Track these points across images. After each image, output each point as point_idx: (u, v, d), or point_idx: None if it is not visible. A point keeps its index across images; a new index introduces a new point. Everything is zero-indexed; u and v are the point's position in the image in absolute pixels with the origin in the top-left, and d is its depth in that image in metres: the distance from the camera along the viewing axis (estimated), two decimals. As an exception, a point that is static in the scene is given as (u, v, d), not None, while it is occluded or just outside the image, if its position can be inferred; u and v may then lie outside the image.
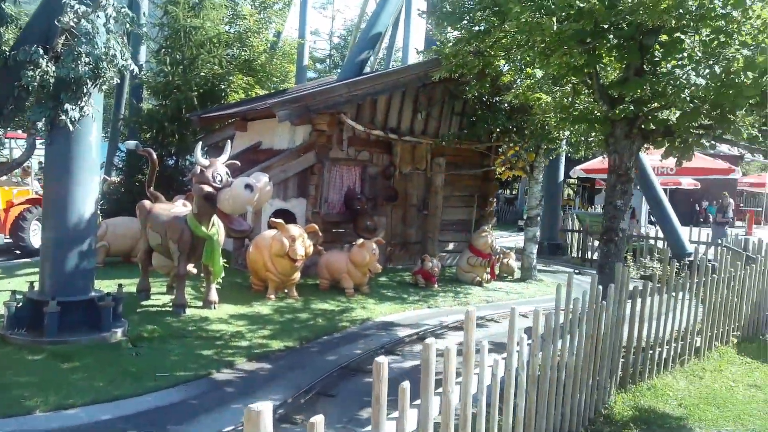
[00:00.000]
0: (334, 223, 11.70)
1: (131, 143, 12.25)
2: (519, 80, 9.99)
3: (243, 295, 9.40)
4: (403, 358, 7.03)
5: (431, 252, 12.80)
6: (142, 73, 17.55)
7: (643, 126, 6.86)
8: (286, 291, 9.54)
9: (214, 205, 7.64)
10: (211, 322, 7.84)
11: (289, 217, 11.25)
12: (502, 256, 13.07)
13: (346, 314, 8.83)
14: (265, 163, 10.77)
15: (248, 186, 7.36)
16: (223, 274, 8.46)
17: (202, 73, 16.09)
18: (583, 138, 11.49)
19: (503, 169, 13.94)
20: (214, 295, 8.43)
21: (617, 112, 6.47)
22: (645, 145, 7.43)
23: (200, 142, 8.36)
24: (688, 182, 24.18)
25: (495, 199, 14.47)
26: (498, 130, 11.92)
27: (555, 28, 5.30)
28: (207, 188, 7.62)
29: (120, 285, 7.49)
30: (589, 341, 5.67)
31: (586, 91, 8.19)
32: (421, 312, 9.41)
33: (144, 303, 8.52)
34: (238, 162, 8.51)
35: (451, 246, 13.65)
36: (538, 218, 12.97)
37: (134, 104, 17.28)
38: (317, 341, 7.53)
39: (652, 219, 19.27)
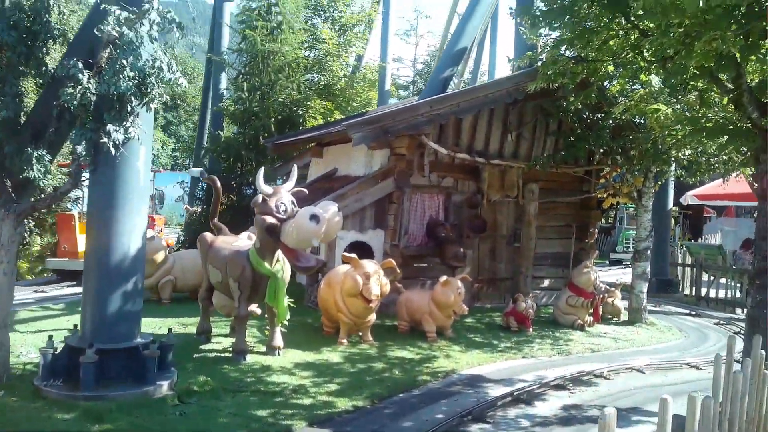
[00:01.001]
0: (414, 256, 10.59)
1: (195, 170, 11.78)
2: (630, 89, 8.58)
3: (312, 339, 8.41)
4: (495, 427, 5.74)
5: (524, 290, 11.42)
6: (224, 100, 17.33)
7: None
8: (360, 334, 8.48)
9: (277, 238, 6.72)
10: (273, 372, 6.86)
11: (365, 250, 10.28)
12: (606, 295, 11.48)
13: (426, 364, 7.64)
14: (340, 191, 9.83)
15: (314, 217, 6.39)
16: (288, 316, 7.50)
17: (280, 99, 15.59)
18: (704, 159, 9.90)
19: (606, 195, 12.40)
20: (278, 340, 7.48)
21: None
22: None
23: (263, 167, 7.52)
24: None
25: (596, 230, 12.89)
26: (601, 151, 10.45)
27: (700, 4, 4.01)
28: (270, 219, 6.73)
29: (170, 330, 6.65)
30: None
31: (717, 99, 6.75)
32: (514, 363, 8.06)
33: (203, 347, 7.69)
34: (305, 190, 7.61)
35: (546, 283, 12.20)
36: (648, 252, 11.31)
37: (214, 133, 17.01)
38: (391, 400, 6.36)
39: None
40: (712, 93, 6.51)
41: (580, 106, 10.02)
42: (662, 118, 7.35)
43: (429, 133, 9.95)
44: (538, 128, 11.56)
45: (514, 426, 5.78)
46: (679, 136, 7.09)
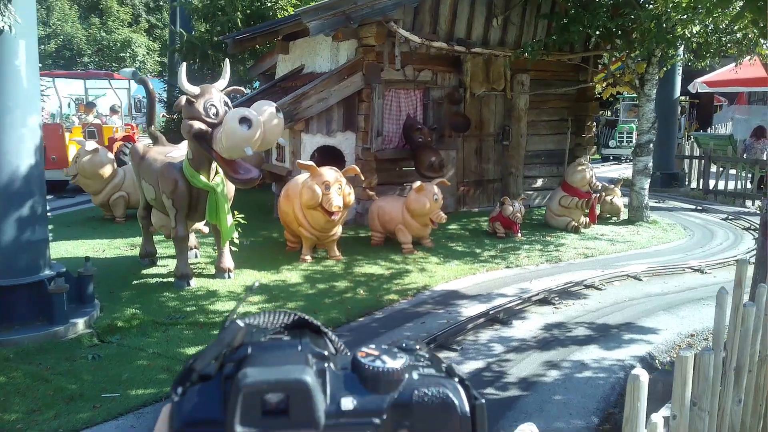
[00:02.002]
0: (390, 160, 9.59)
1: (126, 71, 10.52)
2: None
3: (274, 257, 7.60)
4: (462, 354, 4.96)
5: (514, 191, 10.50)
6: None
7: None
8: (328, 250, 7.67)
9: (208, 147, 5.72)
10: (218, 299, 6.08)
11: (335, 156, 9.29)
12: (604, 193, 10.54)
13: (397, 281, 6.84)
14: (299, 89, 8.70)
15: (244, 120, 5.33)
16: (235, 234, 6.64)
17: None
18: (715, 37, 8.62)
19: (605, 85, 11.18)
20: (227, 261, 6.65)
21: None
22: None
23: (184, 63, 6.40)
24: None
25: (594, 123, 11.77)
26: (597, 33, 9.13)
27: None
28: (197, 125, 5.69)
29: (87, 258, 5.79)
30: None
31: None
32: (496, 275, 7.25)
33: (145, 272, 6.90)
34: (242, 88, 6.52)
35: (539, 182, 11.24)
36: (651, 145, 10.24)
37: (176, 31, 15.58)
38: (348, 326, 5.59)
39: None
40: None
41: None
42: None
43: (398, 19, 8.67)
44: (528, 11, 10.21)
45: (485, 352, 5.01)
46: (684, 4, 5.84)
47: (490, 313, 5.74)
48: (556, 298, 6.27)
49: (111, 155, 9.07)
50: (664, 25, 7.92)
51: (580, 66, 10.85)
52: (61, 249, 7.64)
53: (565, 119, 11.15)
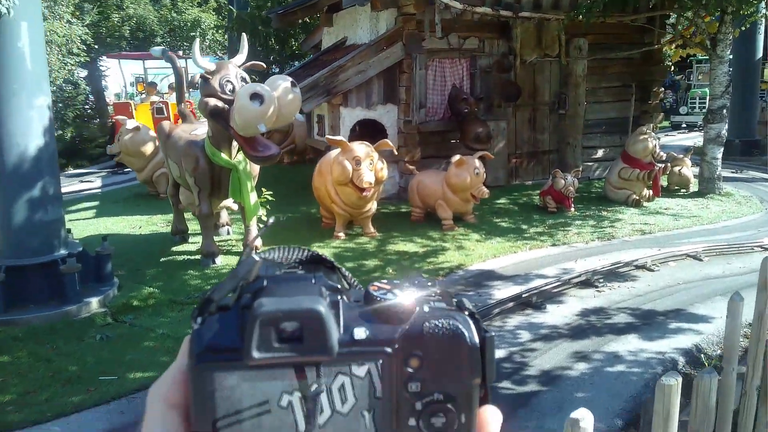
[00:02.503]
0: (436, 133, 9.15)
1: (157, 50, 10.37)
2: None
3: (309, 233, 7.42)
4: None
5: (571, 163, 9.84)
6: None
7: None
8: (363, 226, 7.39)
9: (226, 124, 5.52)
10: (242, 278, 5.93)
11: (377, 129, 8.96)
12: (671, 164, 9.71)
13: (431, 259, 6.49)
14: (336, 63, 8.38)
15: (256, 96, 5.08)
16: (261, 212, 6.45)
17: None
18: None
19: (674, 47, 10.26)
20: (254, 239, 6.47)
21: None
22: None
23: (198, 39, 6.20)
24: None
25: (662, 89, 10.86)
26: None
27: None
28: (213, 102, 5.50)
29: (105, 238, 5.74)
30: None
31: None
32: (540, 253, 6.76)
33: (175, 249, 6.85)
34: (262, 63, 6.27)
35: (599, 153, 10.50)
36: (724, 111, 9.31)
37: (230, 10, 15.55)
38: (369, 309, 5.30)
39: None
40: None
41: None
42: None
43: (439, -18, 8.16)
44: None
45: (509, 340, 4.60)
46: None
47: (523, 296, 5.30)
48: (600, 280, 5.74)
49: (153, 133, 9.08)
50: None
51: (645, 27, 9.95)
52: (101, 226, 7.74)
53: (628, 85, 10.29)
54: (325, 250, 6.77)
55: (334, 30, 10.67)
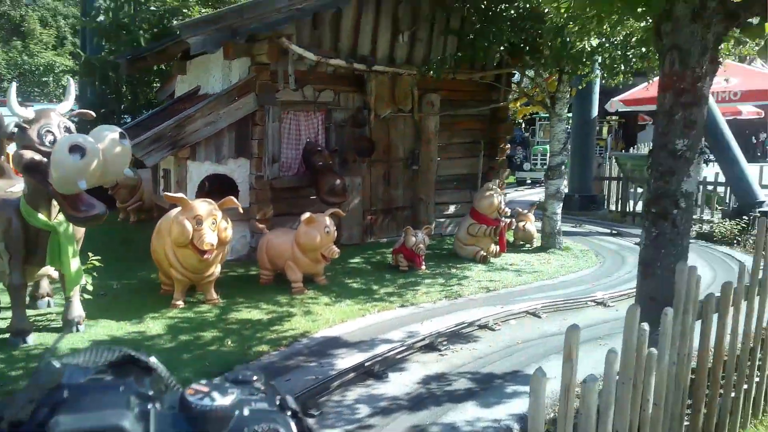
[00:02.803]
0: (290, 189, 8.94)
1: None
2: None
3: (144, 302, 6.83)
4: (320, 421, 4.33)
5: (424, 219, 10.02)
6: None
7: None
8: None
9: (43, 179, 4.95)
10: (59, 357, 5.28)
11: (228, 185, 8.62)
12: (516, 219, 10.17)
13: (275, 327, 6.17)
14: (184, 113, 7.99)
15: (76, 148, 4.59)
16: (84, 281, 5.85)
17: (152, 7, 13.23)
18: (618, 53, 8.32)
19: (519, 105, 10.88)
20: (75, 311, 5.84)
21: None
22: (730, 33, 4.42)
23: (14, 83, 5.63)
24: (749, 110, 20.53)
25: (514, 145, 11.44)
26: (501, 48, 8.73)
27: None
28: (29, 154, 4.93)
29: None
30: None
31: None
32: (387, 316, 6.67)
33: (-17, 324, 6.02)
34: (91, 112, 5.79)
35: (451, 209, 10.79)
36: (563, 167, 9.94)
37: (78, 53, 14.60)
38: (201, 389, 4.88)
39: (708, 156, 15.88)
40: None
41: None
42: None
43: (291, 34, 8.06)
44: (436, 27, 9.77)
45: (347, 417, 4.38)
46: (563, 10, 5.42)
47: (365, 365, 5.14)
48: (444, 343, 5.73)
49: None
50: (568, 39, 7.57)
51: (493, 85, 10.49)
52: None
53: (477, 141, 10.75)
54: (160, 321, 6.26)
55: (188, 78, 10.25)
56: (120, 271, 7.99)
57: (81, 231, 5.77)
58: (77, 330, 5.81)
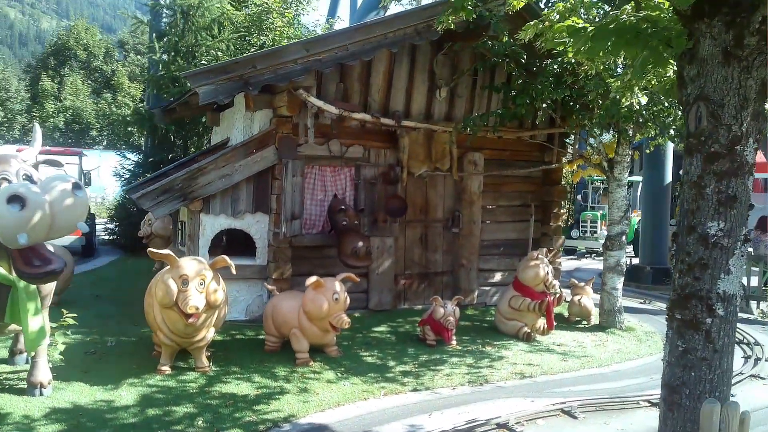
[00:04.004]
0: (312, 248, 8.25)
1: None
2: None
3: (131, 363, 6.20)
4: None
5: (466, 286, 9.07)
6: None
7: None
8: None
9: (-5, 232, 4.45)
10: (16, 425, 4.65)
11: (246, 241, 8.05)
12: (572, 293, 9.01)
13: (260, 406, 5.33)
14: (196, 164, 7.53)
15: (15, 198, 4.10)
16: (47, 339, 5.26)
17: (203, 61, 13.29)
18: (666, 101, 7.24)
19: (575, 167, 9.87)
20: (39, 374, 5.25)
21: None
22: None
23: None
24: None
25: (563, 211, 10.36)
26: (545, 105, 7.82)
27: None
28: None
29: None
30: None
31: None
32: (394, 402, 5.68)
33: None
34: (59, 160, 5.33)
35: (497, 277, 9.73)
36: (623, 238, 8.75)
37: (130, 105, 14.85)
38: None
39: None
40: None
41: (513, 47, 7.51)
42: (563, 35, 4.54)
43: (310, 86, 7.53)
44: (479, 83, 9.03)
45: None
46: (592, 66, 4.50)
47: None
48: (447, 446, 4.70)
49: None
50: (616, 96, 6.60)
51: (545, 146, 9.56)
52: None
53: (528, 204, 9.76)
54: (136, 389, 5.57)
55: (220, 130, 9.94)
56: (126, 326, 7.50)
57: (48, 286, 5.22)
58: (41, 394, 5.21)
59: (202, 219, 7.64)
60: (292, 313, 6.56)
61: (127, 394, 5.43)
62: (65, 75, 39.60)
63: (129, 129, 14.50)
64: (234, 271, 6.02)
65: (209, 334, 6.07)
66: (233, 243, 8.46)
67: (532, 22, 4.81)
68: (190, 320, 5.61)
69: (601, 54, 3.43)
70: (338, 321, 6.32)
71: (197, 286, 5.62)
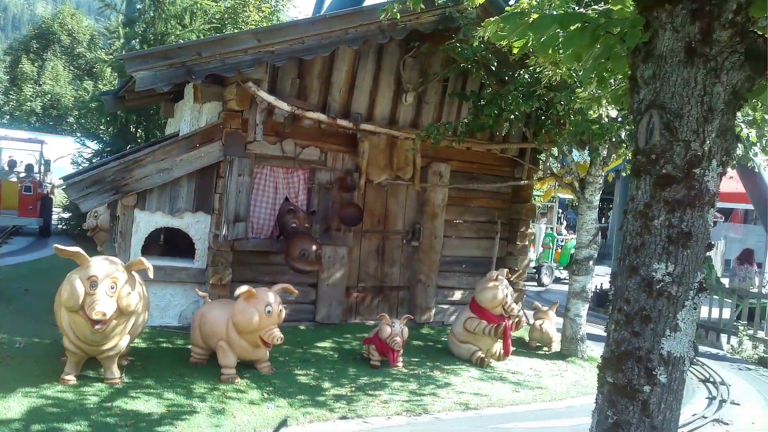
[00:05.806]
0: (258, 253, 7.67)
1: None
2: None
3: (36, 369, 5.60)
4: None
5: (422, 303, 8.54)
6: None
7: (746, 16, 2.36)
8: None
9: None
10: None
11: (184, 242, 7.46)
12: (534, 317, 8.52)
13: (163, 428, 4.74)
14: (131, 156, 6.94)
15: None
16: None
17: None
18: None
19: (546, 186, 9.38)
20: None
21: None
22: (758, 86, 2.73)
23: None
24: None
25: (530, 230, 9.85)
26: (512, 117, 7.31)
27: None
28: None
29: None
30: None
31: None
32: (320, 429, 5.13)
33: None
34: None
35: (457, 295, 9.21)
36: (590, 263, 8.26)
37: (99, 94, 14.22)
38: None
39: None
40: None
41: (484, 51, 7.02)
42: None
43: (261, 79, 6.97)
44: (450, 89, 8.52)
45: None
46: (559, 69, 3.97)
47: None
48: (366, 487, 4.14)
49: None
50: (583, 109, 6.11)
51: (517, 161, 9.08)
52: None
53: (494, 221, 9.25)
54: (28, 400, 4.96)
55: (174, 121, 9.36)
56: (43, 326, 6.88)
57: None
58: None
59: (136, 215, 7.04)
60: (220, 323, 5.97)
61: (17, 406, 4.82)
62: (47, 59, 38.65)
63: (88, 116, 13.85)
64: (152, 275, 5.41)
65: (122, 342, 5.46)
66: (178, 244, 7.87)
67: (492, 19, 4.30)
68: (97, 327, 5.00)
69: (550, 51, 2.91)
70: (269, 336, 5.74)
71: (107, 289, 5.03)
